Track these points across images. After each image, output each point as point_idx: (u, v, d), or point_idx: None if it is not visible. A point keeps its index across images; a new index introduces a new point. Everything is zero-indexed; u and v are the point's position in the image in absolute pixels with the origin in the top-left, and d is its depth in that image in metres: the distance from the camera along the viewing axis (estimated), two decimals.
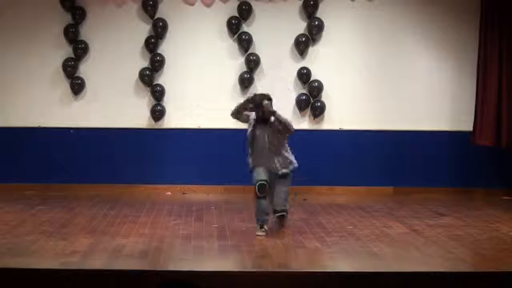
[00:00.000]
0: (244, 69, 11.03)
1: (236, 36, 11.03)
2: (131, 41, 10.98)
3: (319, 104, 11.04)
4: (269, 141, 7.78)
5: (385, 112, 11.12)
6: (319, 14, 11.02)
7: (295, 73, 11.02)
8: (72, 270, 6.17)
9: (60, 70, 10.95)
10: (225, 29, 11.04)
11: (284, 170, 7.84)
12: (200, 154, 10.93)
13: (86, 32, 11.00)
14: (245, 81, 10.99)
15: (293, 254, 7.08)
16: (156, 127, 11.06)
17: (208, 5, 11.06)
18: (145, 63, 11.01)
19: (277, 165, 7.82)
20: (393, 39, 11.16)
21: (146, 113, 11.04)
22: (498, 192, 10.90)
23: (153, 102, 11.02)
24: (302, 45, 10.99)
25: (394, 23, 11.14)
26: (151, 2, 10.89)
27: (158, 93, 10.96)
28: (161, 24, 10.94)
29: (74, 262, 6.42)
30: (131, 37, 10.98)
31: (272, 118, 7.77)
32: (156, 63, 10.96)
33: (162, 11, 10.99)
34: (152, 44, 10.95)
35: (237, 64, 11.05)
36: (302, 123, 11.03)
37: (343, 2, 11.11)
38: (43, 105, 10.97)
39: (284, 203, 7.86)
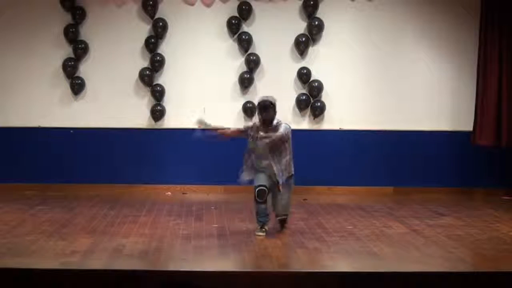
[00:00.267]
0: (244, 69, 11.03)
1: (236, 36, 11.03)
2: (131, 41, 10.98)
3: (319, 104, 11.04)
4: (269, 147, 7.72)
5: (385, 112, 11.12)
6: (319, 14, 11.03)
7: (295, 73, 11.02)
8: (72, 270, 6.17)
9: (60, 70, 10.95)
10: (225, 29, 11.04)
11: (281, 180, 7.76)
12: (200, 154, 10.92)
13: (86, 32, 11.00)
14: (245, 81, 10.99)
15: (293, 254, 7.08)
16: (156, 127, 11.06)
17: (208, 5, 11.06)
18: (145, 63, 11.01)
19: (277, 173, 7.75)
20: (393, 39, 11.16)
21: (146, 113, 11.05)
22: (498, 192, 10.90)
23: (153, 102, 11.02)
24: (302, 45, 10.99)
25: (394, 23, 11.15)
26: (151, 2, 10.89)
27: (158, 93, 10.96)
28: (161, 24, 10.94)
29: (74, 262, 6.42)
30: (131, 37, 10.98)
31: (275, 124, 7.75)
32: (156, 63, 10.97)
33: (162, 11, 11.00)
34: (152, 44, 10.95)
35: (237, 64, 11.05)
36: (302, 123, 11.04)
37: (343, 2, 11.12)
38: (43, 105, 10.98)
39: (285, 209, 7.88)
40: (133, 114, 11.01)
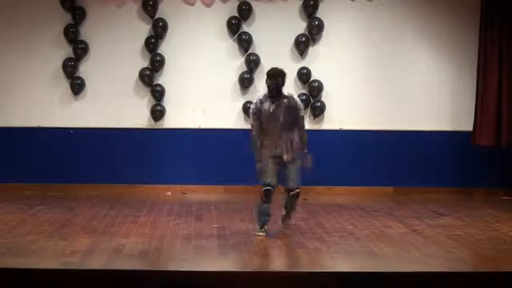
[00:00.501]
0: (244, 69, 11.03)
1: (236, 36, 11.03)
2: (131, 41, 10.98)
3: (319, 104, 11.04)
4: (280, 120, 7.52)
5: (385, 112, 11.12)
6: (319, 14, 11.02)
7: (295, 73, 11.02)
8: (72, 270, 6.17)
9: (60, 70, 10.95)
10: (225, 29, 11.04)
11: (289, 158, 7.61)
12: (200, 154, 10.92)
13: (86, 32, 11.00)
14: (245, 81, 10.99)
15: (293, 254, 7.09)
16: (156, 127, 11.05)
17: (208, 5, 11.06)
18: (145, 63, 11.01)
19: (284, 150, 7.59)
20: (393, 39, 11.16)
21: (146, 113, 11.04)
22: (498, 192, 10.90)
23: (153, 102, 11.02)
24: (302, 45, 10.99)
25: (394, 23, 11.15)
26: (151, 2, 10.89)
27: (158, 93, 10.96)
28: (161, 24, 10.94)
29: (74, 262, 6.42)
30: (131, 37, 10.98)
31: (286, 95, 7.56)
32: (156, 63, 10.96)
33: (162, 11, 10.99)
34: (152, 44, 10.95)
35: (237, 64, 11.05)
36: None
37: (343, 2, 11.12)
38: (43, 105, 10.97)
39: (296, 183, 7.68)
40: (133, 114, 11.01)
